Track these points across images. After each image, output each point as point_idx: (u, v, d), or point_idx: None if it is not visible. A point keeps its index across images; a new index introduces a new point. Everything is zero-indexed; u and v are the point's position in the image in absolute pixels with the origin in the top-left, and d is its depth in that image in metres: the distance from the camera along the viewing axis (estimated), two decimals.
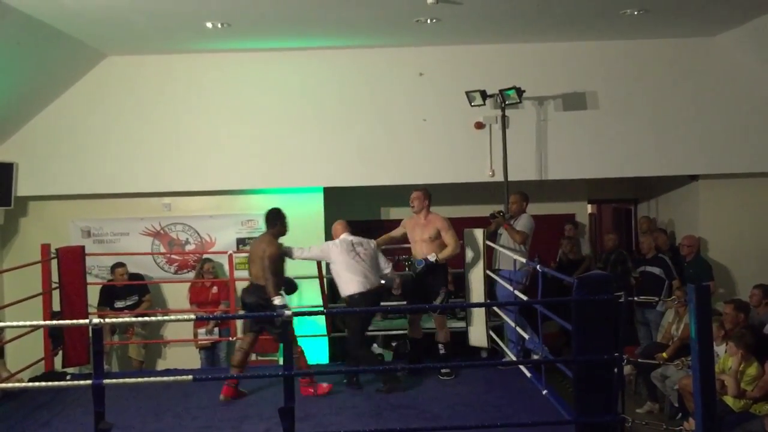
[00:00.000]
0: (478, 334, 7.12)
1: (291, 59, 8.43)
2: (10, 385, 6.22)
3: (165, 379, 5.55)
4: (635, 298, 7.19)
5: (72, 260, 7.21)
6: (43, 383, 5.85)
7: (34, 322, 6.11)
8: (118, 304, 8.17)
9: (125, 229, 8.72)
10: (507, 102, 7.92)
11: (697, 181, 8.88)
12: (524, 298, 6.47)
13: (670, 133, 8.44)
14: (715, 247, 8.75)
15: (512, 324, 6.68)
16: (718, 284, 8.41)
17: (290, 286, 6.40)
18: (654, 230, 8.94)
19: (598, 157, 8.45)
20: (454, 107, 8.28)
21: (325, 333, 7.76)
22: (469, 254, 7.07)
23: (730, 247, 8.71)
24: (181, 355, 8.45)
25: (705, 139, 8.43)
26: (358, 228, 9.46)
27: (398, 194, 8.53)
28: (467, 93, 8.01)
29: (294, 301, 8.41)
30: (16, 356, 7.36)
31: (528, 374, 6.34)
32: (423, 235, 6.65)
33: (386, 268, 6.60)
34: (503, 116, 8.08)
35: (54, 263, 7.20)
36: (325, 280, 7.29)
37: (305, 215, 8.48)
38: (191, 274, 8.61)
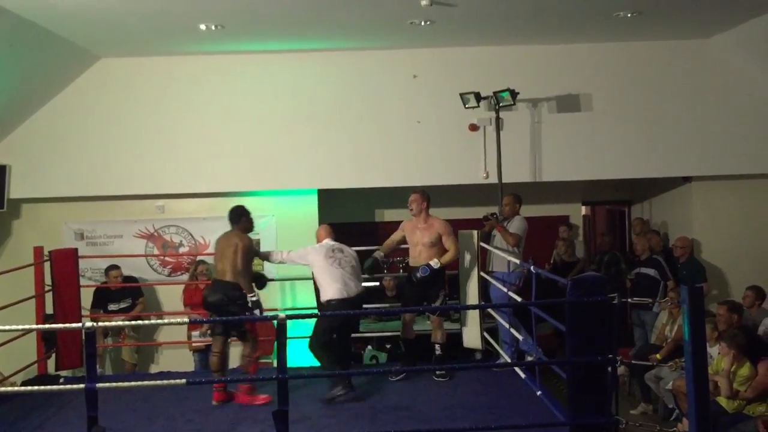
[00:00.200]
0: (472, 336, 7.12)
1: (285, 61, 8.43)
2: (2, 388, 6.20)
3: (158, 382, 5.57)
4: (629, 300, 7.26)
5: (65, 263, 7.18)
6: (36, 386, 5.84)
7: (27, 326, 6.08)
8: (112, 307, 8.14)
9: (119, 231, 8.70)
10: (501, 104, 7.93)
11: (691, 182, 8.90)
12: (518, 299, 6.48)
13: (664, 135, 8.46)
14: (709, 249, 8.78)
15: (506, 325, 6.68)
16: (712, 286, 8.43)
17: (260, 281, 6.38)
18: (647, 232, 8.96)
19: (592, 159, 8.47)
20: (448, 109, 8.28)
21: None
22: (464, 256, 7.06)
23: (723, 249, 8.73)
24: (175, 358, 8.42)
25: (698, 141, 8.45)
26: (352, 230, 9.50)
27: (393, 196, 8.55)
28: (461, 95, 8.02)
29: (287, 303, 8.43)
30: (8, 359, 7.31)
31: (522, 375, 6.34)
32: (423, 240, 6.61)
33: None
34: (497, 118, 8.10)
35: (47, 266, 7.17)
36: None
37: (299, 217, 8.48)
38: (185, 277, 8.59)
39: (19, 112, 8.21)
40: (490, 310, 7.33)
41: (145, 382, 5.66)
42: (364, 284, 6.53)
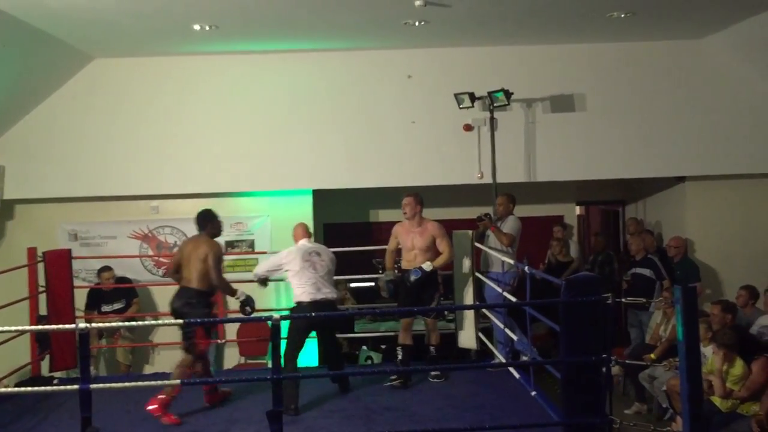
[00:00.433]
0: (467, 336, 7.12)
1: (279, 62, 8.42)
2: None
3: (153, 383, 5.54)
4: (623, 300, 7.27)
5: (59, 264, 7.16)
6: (30, 388, 5.82)
7: (21, 327, 6.06)
8: (105, 308, 8.12)
9: (113, 232, 8.67)
10: (495, 104, 7.94)
11: (684, 182, 8.93)
12: (513, 299, 6.49)
13: (658, 135, 8.48)
14: (702, 249, 8.80)
15: (501, 326, 6.69)
16: (705, 285, 8.45)
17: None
18: (641, 232, 8.98)
19: (587, 158, 8.49)
20: (443, 109, 8.29)
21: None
22: (458, 256, 7.07)
23: (717, 249, 8.75)
24: (169, 359, 8.36)
25: (692, 141, 8.48)
26: (347, 230, 9.53)
27: (387, 196, 8.54)
28: (456, 95, 8.03)
29: (282, 303, 8.41)
30: (2, 361, 7.29)
31: (517, 375, 6.35)
32: (418, 244, 6.53)
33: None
34: (492, 118, 8.11)
35: (41, 267, 7.15)
36: None
37: (294, 218, 8.38)
38: None
39: (13, 113, 8.18)
40: (484, 310, 7.34)
41: (140, 383, 5.65)
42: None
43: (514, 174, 8.35)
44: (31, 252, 7.18)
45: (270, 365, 5.38)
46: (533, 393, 5.84)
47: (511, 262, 6.64)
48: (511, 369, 6.50)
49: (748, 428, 5.67)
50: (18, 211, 8.72)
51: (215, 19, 6.94)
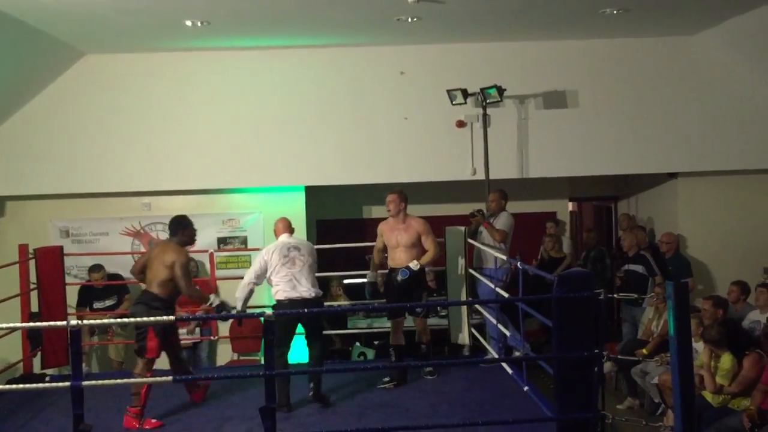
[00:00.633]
0: (459, 332, 7.13)
1: (271, 58, 8.40)
2: None
3: (145, 380, 5.52)
4: (615, 295, 7.29)
5: (50, 261, 7.13)
6: (22, 385, 5.79)
7: (12, 324, 6.03)
8: (97, 305, 8.10)
9: (104, 229, 8.65)
10: (488, 100, 7.95)
11: (676, 178, 8.96)
12: (506, 295, 6.50)
13: (650, 131, 8.50)
14: (694, 244, 8.84)
15: (494, 321, 6.70)
16: (697, 281, 8.49)
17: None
18: (633, 227, 9.01)
19: (579, 155, 8.50)
20: (436, 106, 8.28)
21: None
22: (451, 252, 7.07)
23: (708, 244, 8.79)
24: (162, 356, 8.36)
25: (684, 137, 8.51)
26: (339, 227, 9.52)
27: (380, 193, 8.48)
28: (448, 91, 8.03)
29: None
30: None
31: (509, 371, 6.36)
32: (402, 241, 6.37)
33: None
34: (484, 115, 8.11)
35: (32, 264, 7.12)
36: None
37: (287, 214, 8.32)
38: None
39: (4, 109, 8.14)
40: (477, 306, 7.34)
41: (132, 380, 5.63)
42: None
43: (507, 170, 8.36)
44: (23, 249, 7.15)
45: (263, 362, 5.36)
46: (526, 388, 5.85)
47: (504, 258, 6.65)
48: (504, 365, 6.51)
49: (739, 423, 5.69)
50: (9, 208, 8.68)
51: (207, 14, 6.92)
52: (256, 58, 8.39)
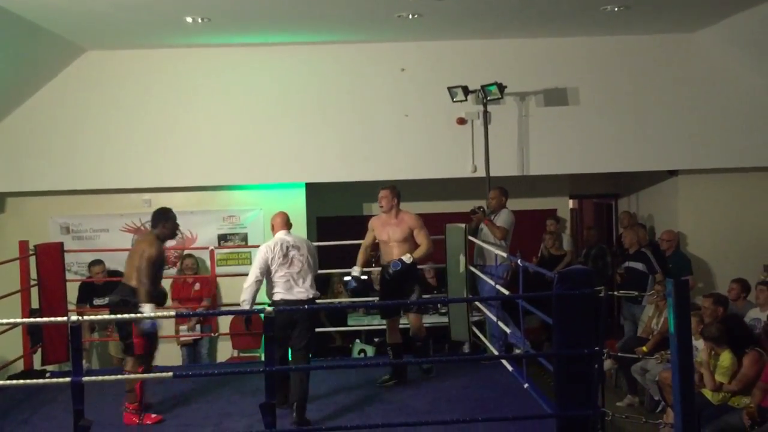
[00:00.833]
0: (460, 329, 7.13)
1: (272, 54, 8.39)
2: None
3: (146, 376, 5.53)
4: (616, 293, 7.30)
5: (51, 257, 7.14)
6: (22, 381, 5.80)
7: (13, 320, 6.04)
8: (98, 302, 8.09)
9: (105, 225, 8.64)
10: (489, 98, 7.94)
11: (677, 176, 8.95)
12: (506, 293, 6.50)
13: (650, 128, 8.50)
14: (695, 242, 8.84)
15: (494, 319, 6.70)
16: (697, 279, 8.49)
17: (160, 298, 5.75)
18: (634, 225, 9.01)
19: (580, 152, 8.50)
20: (436, 103, 8.28)
21: None
22: (451, 250, 7.07)
23: (709, 242, 8.79)
24: (162, 352, 8.27)
25: (684, 134, 8.50)
26: (340, 224, 9.51)
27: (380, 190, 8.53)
28: (449, 89, 8.02)
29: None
30: None
31: (509, 368, 6.37)
32: (395, 236, 6.28)
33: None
34: (485, 112, 8.11)
35: (33, 260, 7.12)
36: None
37: (287, 211, 8.43)
38: (173, 271, 8.55)
39: (4, 105, 8.13)
40: (478, 303, 7.34)
41: (132, 376, 5.63)
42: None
43: (508, 167, 8.36)
44: (23, 245, 7.15)
45: (263, 358, 5.36)
46: (526, 385, 5.86)
47: (505, 255, 6.64)
48: (504, 362, 6.52)
49: (739, 421, 5.70)
50: (9, 204, 8.67)
51: (207, 11, 6.91)
52: (257, 55, 8.38)
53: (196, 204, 8.73)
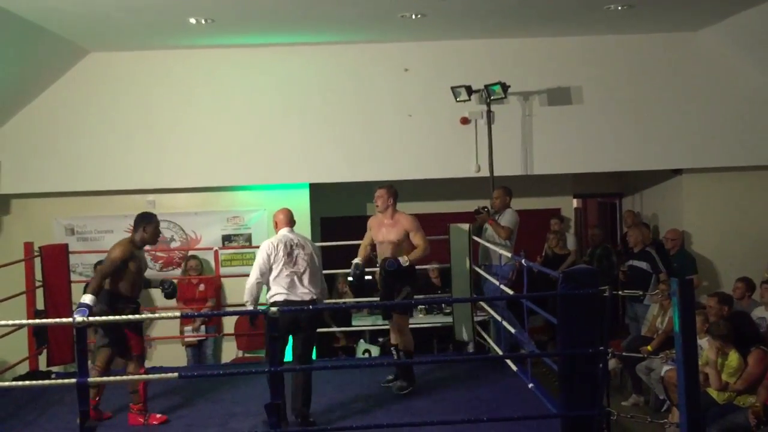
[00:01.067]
0: (464, 329, 7.13)
1: (275, 55, 8.40)
2: None
3: (151, 376, 5.55)
4: (620, 292, 7.29)
5: (55, 258, 7.16)
6: (28, 382, 5.81)
7: (18, 321, 6.05)
8: None
9: (109, 226, 8.64)
10: (492, 97, 7.94)
11: (681, 175, 8.94)
12: (510, 292, 6.49)
13: (654, 127, 8.49)
14: (699, 241, 8.82)
15: (499, 318, 6.70)
16: (702, 278, 8.47)
17: (170, 292, 5.86)
18: (638, 224, 8.99)
19: (583, 151, 8.49)
20: (440, 103, 8.28)
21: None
22: (455, 250, 7.06)
23: (713, 241, 8.77)
24: (167, 353, 8.40)
25: (688, 133, 8.49)
26: (344, 224, 9.52)
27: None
28: (452, 88, 8.02)
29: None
30: None
31: (514, 368, 6.37)
32: (389, 237, 6.13)
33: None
34: (488, 111, 8.11)
35: (37, 261, 7.14)
36: None
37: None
38: (177, 272, 8.57)
39: (8, 107, 8.16)
40: (483, 303, 7.33)
41: (137, 377, 5.64)
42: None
43: (511, 167, 8.35)
44: (28, 247, 7.17)
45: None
46: (531, 385, 5.86)
47: (509, 255, 6.64)
48: (509, 361, 6.51)
49: (744, 420, 5.68)
50: (14, 206, 8.69)
51: (211, 12, 6.92)
52: (260, 56, 8.39)
53: (200, 205, 8.74)
